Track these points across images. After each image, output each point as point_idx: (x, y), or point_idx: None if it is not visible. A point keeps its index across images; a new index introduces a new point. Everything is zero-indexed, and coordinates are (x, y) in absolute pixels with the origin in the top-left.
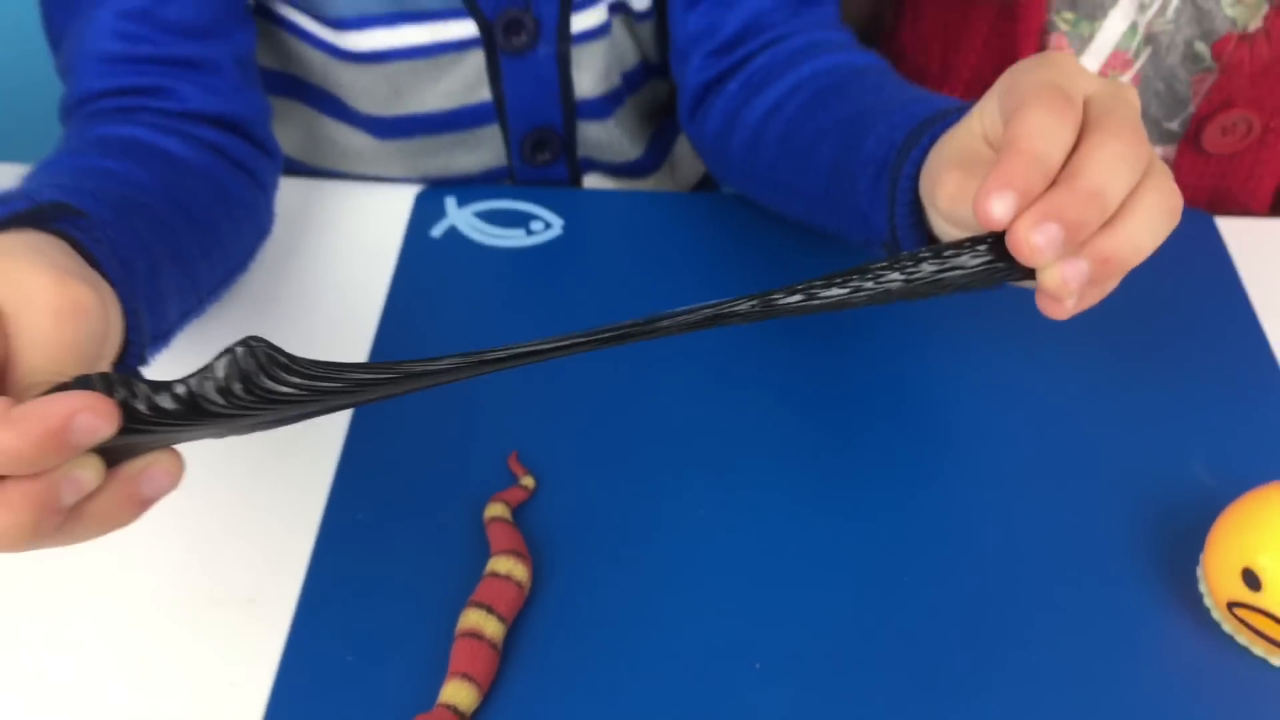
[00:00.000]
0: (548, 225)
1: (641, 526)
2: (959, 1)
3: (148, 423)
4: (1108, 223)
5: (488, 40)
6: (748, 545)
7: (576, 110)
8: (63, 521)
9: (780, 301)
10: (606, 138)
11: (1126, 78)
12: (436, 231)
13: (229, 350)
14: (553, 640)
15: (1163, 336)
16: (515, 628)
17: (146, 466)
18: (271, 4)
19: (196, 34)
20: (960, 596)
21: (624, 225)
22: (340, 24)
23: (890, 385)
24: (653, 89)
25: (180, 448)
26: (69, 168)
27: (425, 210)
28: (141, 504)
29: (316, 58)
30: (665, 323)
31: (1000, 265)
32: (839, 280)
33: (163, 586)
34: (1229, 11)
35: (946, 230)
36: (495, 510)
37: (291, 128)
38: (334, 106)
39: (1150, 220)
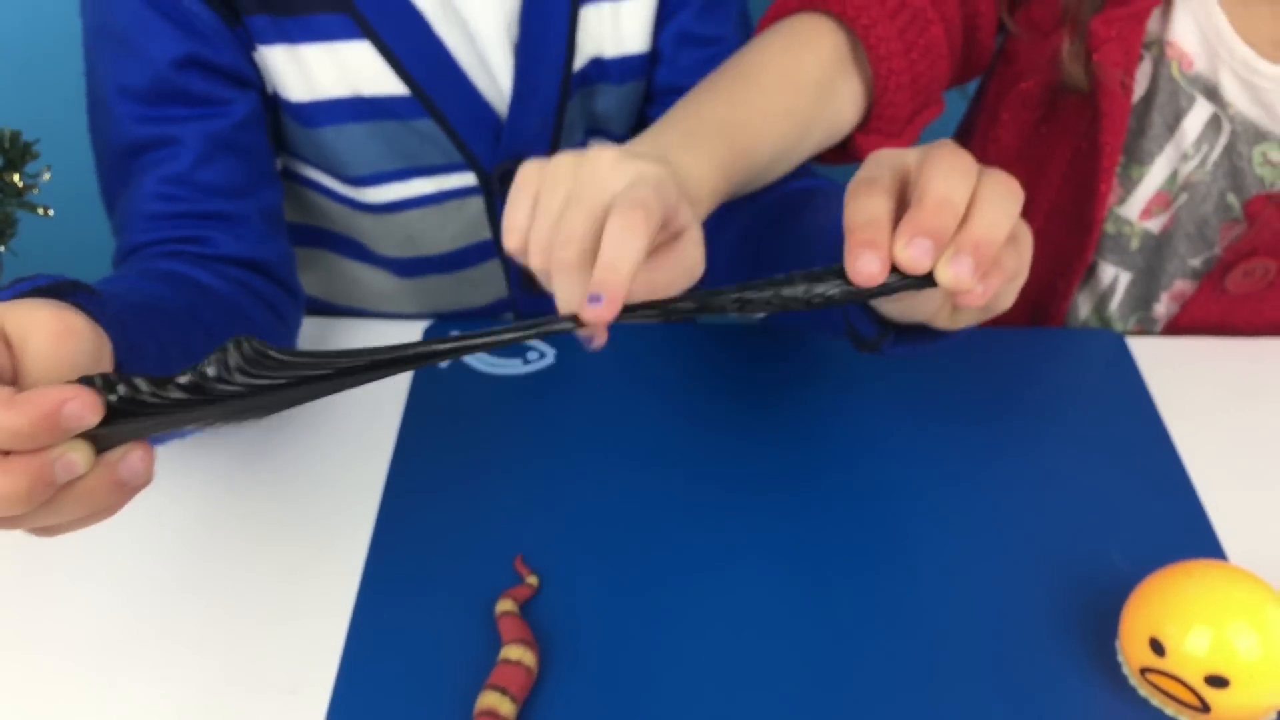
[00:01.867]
0: (542, 355)
1: (635, 617)
2: (1040, 138)
3: (147, 411)
4: (965, 219)
5: (486, 188)
6: (729, 633)
7: None
8: (54, 496)
9: (717, 301)
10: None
11: (1163, 219)
12: (443, 362)
13: (221, 348)
14: (560, 718)
15: (1084, 442)
16: (526, 707)
17: (125, 454)
18: (298, 168)
19: (228, 193)
20: (911, 667)
21: (610, 354)
22: (359, 181)
23: (854, 490)
24: None
25: (223, 559)
26: (104, 280)
27: None
28: (120, 487)
29: (339, 210)
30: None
31: (909, 281)
32: (769, 286)
33: (209, 674)
34: (1259, 171)
35: (887, 307)
36: (505, 605)
37: (318, 272)
38: (357, 251)
39: (996, 203)
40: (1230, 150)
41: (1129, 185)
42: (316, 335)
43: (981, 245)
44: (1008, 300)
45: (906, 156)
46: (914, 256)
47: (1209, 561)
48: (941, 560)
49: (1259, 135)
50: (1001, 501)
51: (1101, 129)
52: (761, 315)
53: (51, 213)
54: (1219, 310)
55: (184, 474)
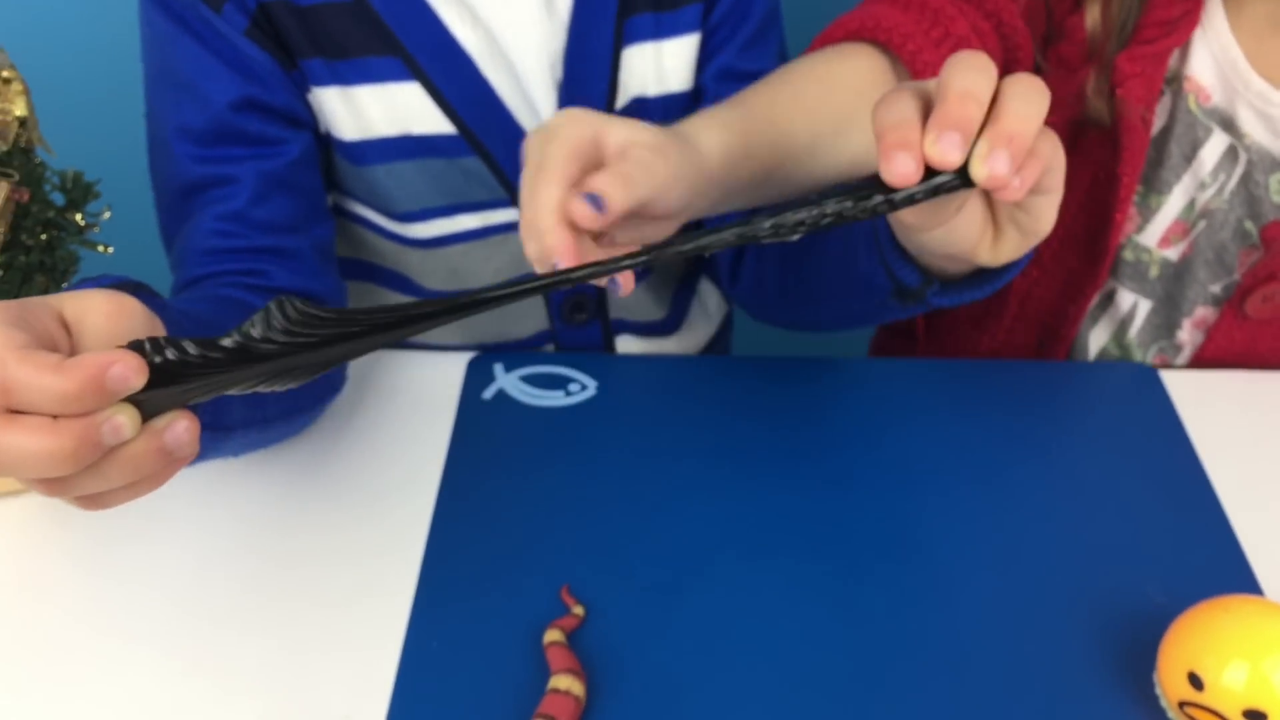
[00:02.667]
0: (584, 387)
1: (681, 646)
2: None
3: (192, 375)
4: (994, 113)
5: None
6: (775, 663)
7: None
8: (100, 461)
9: (751, 229)
10: (634, 299)
11: (1181, 246)
12: (487, 394)
13: (265, 309)
14: None
15: (1119, 476)
16: None
17: (170, 422)
18: (348, 204)
19: (283, 229)
20: (948, 701)
21: (650, 385)
22: (406, 217)
23: (892, 524)
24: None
25: (274, 592)
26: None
27: (477, 375)
28: (165, 455)
29: (387, 245)
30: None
31: (943, 182)
32: (815, 204)
33: (263, 706)
34: (1276, 198)
35: (930, 246)
36: (553, 635)
37: (366, 305)
38: (403, 284)
39: (1024, 94)
40: (1247, 179)
41: (1147, 214)
42: (362, 369)
43: (1015, 136)
44: (1047, 218)
45: (928, 81)
46: (943, 150)
47: (1247, 596)
48: (977, 593)
49: (1275, 164)
50: (1037, 535)
51: (1121, 161)
52: (797, 237)
53: (111, 250)
54: (1243, 338)
55: (232, 506)
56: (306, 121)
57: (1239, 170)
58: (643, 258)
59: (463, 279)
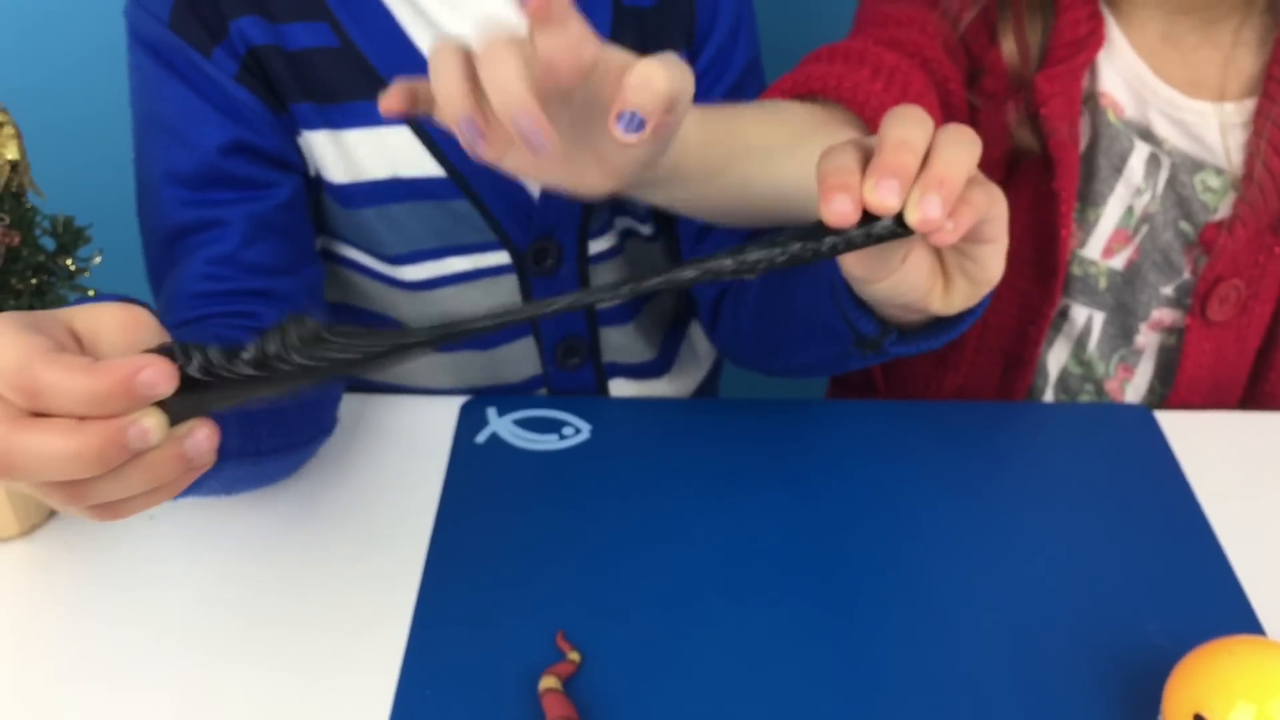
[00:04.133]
0: (577, 430)
1: (677, 692)
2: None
3: (213, 385)
4: (926, 161)
5: (519, 265)
6: (772, 709)
7: (598, 318)
8: (124, 463)
9: (717, 265)
10: (626, 341)
11: (1126, 254)
12: (481, 438)
13: (280, 325)
14: None
15: (1116, 517)
16: None
17: (191, 429)
18: (337, 247)
19: (273, 272)
20: None
21: (643, 428)
22: (396, 259)
23: (890, 567)
24: (662, 300)
25: (263, 640)
26: None
27: (470, 419)
28: (185, 462)
29: (376, 289)
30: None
31: (883, 227)
32: (762, 247)
33: None
34: (1203, 197)
35: (884, 296)
36: (548, 682)
37: None
38: (393, 329)
39: (954, 144)
40: (1174, 181)
41: (1086, 228)
42: (354, 412)
43: (945, 181)
44: (994, 267)
45: (869, 138)
46: (882, 197)
47: (1251, 637)
48: (977, 636)
49: (1195, 165)
50: (1035, 577)
51: (1056, 176)
52: (755, 276)
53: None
54: (1210, 347)
55: (223, 549)
56: (296, 165)
57: (1164, 174)
58: (623, 289)
59: None
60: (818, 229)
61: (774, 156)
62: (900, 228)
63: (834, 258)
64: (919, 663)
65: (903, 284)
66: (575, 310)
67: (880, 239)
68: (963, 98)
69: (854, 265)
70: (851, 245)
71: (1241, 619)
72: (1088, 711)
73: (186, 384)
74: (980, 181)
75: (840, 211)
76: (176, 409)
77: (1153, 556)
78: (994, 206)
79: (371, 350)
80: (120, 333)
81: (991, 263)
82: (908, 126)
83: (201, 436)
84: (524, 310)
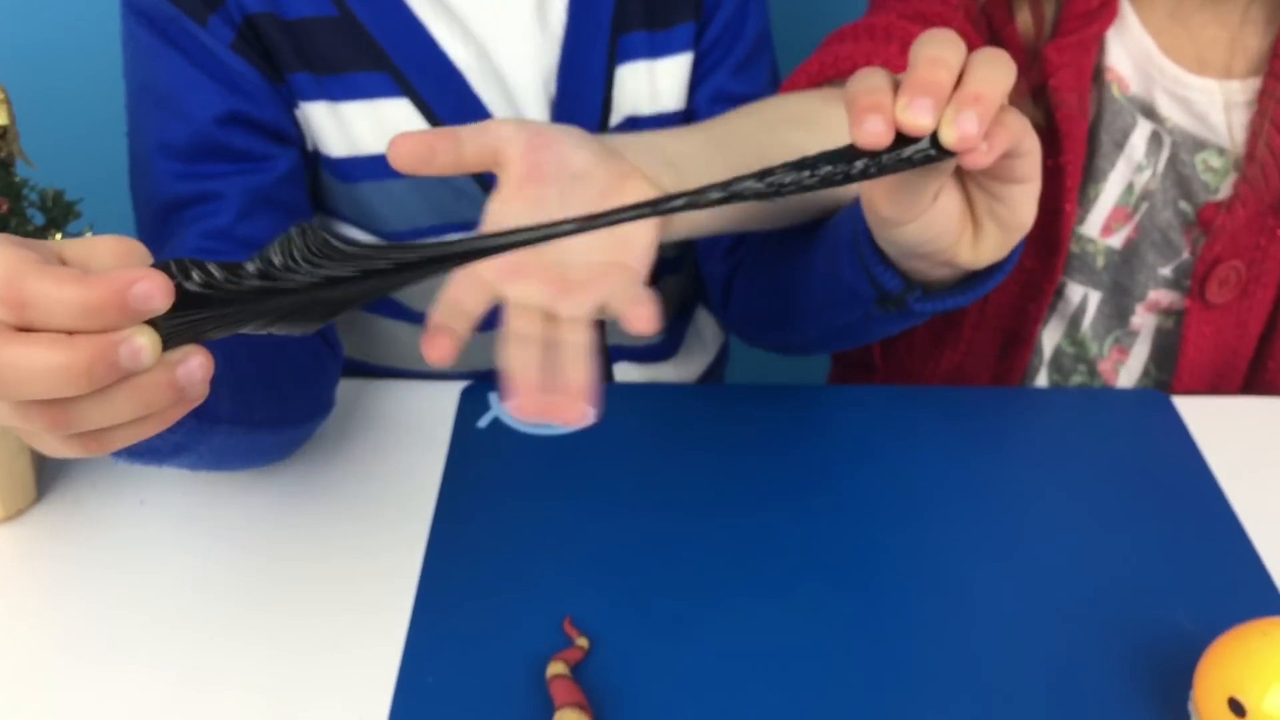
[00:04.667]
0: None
1: (687, 676)
2: None
3: (213, 304)
4: (961, 79)
5: None
6: (783, 692)
7: None
8: (112, 385)
9: (742, 186)
10: None
11: (1125, 232)
12: (482, 422)
13: (285, 235)
14: None
15: (1139, 502)
16: None
17: (185, 356)
18: (335, 224)
19: None
20: None
21: (647, 412)
22: (395, 236)
23: (909, 553)
24: (669, 282)
25: (264, 628)
26: None
27: (471, 403)
28: (176, 391)
29: None
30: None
31: (917, 153)
32: (791, 169)
33: None
34: (1204, 177)
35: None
36: (556, 669)
37: (354, 333)
38: (392, 308)
39: (991, 61)
40: (1174, 160)
41: (1086, 204)
42: (353, 397)
43: (981, 98)
44: (1026, 211)
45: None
46: (915, 115)
47: None
48: (1000, 623)
49: (1197, 144)
50: (1058, 564)
51: (1064, 149)
52: (784, 198)
53: None
54: (1210, 330)
55: (221, 535)
56: (293, 138)
57: (1165, 153)
58: (644, 209)
59: None
60: (848, 151)
61: (785, 127)
62: (934, 149)
63: (864, 180)
64: (938, 649)
65: (933, 226)
66: (588, 231)
67: (912, 163)
68: None
69: (884, 204)
70: (883, 169)
71: (1268, 602)
72: (1116, 698)
73: (183, 303)
74: (1014, 111)
75: (873, 132)
76: (171, 332)
77: (1176, 540)
78: (1027, 137)
79: (400, 259)
80: (114, 261)
81: (1023, 205)
82: (941, 46)
83: (195, 364)
84: (538, 231)
